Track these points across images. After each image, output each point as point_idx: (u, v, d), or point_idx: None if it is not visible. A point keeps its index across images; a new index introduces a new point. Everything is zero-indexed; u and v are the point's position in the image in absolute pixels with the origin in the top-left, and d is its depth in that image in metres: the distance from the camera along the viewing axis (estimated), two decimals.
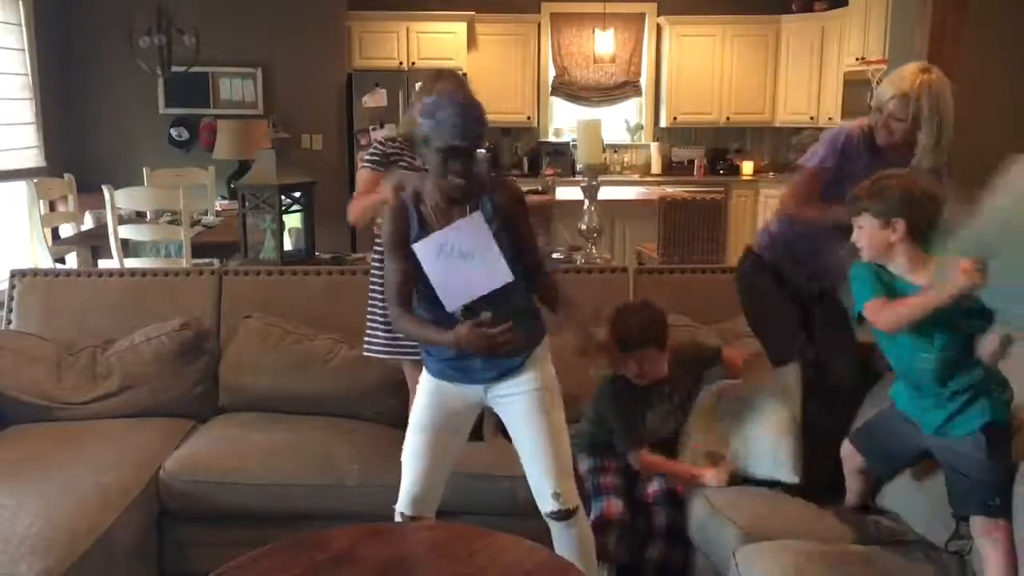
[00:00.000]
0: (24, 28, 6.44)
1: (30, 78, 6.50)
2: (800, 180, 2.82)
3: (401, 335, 2.70)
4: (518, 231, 2.36)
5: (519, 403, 2.41)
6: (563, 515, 2.42)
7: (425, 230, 2.29)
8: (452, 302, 2.28)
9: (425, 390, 2.46)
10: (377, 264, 2.95)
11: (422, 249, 2.25)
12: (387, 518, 2.73)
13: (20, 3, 6.40)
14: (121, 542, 2.59)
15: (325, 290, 3.51)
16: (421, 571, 2.00)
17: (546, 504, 2.43)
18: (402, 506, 2.45)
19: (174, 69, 6.30)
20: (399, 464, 2.89)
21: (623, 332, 2.69)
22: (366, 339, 3.02)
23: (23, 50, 6.45)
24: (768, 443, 2.61)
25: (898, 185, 2.21)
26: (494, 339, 2.21)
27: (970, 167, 5.21)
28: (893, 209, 2.18)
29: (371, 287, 3.00)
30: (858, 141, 2.74)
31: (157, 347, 3.24)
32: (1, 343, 3.24)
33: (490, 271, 2.26)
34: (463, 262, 2.24)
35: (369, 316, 3.01)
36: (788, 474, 2.56)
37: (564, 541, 2.46)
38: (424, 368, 2.47)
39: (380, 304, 2.91)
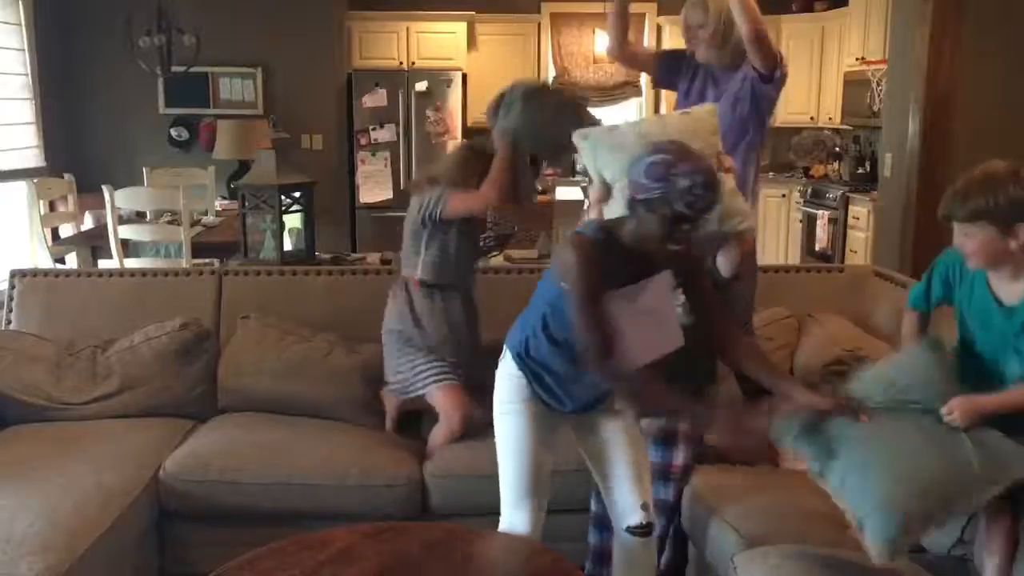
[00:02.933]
0: (24, 28, 6.44)
1: (30, 78, 6.50)
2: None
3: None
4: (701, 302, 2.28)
5: (611, 417, 2.37)
6: (648, 529, 2.34)
7: (610, 281, 2.12)
8: (627, 361, 2.12)
9: (527, 415, 2.31)
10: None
11: (615, 300, 2.11)
12: (387, 518, 2.74)
13: (20, 3, 6.40)
14: (121, 542, 2.58)
15: (325, 290, 3.51)
16: (421, 571, 2.00)
17: (632, 517, 2.33)
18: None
19: (174, 69, 6.30)
20: (399, 464, 2.90)
21: None
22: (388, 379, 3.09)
23: (23, 50, 6.45)
24: None
25: (1019, 185, 1.94)
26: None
27: (971, 166, 5.21)
28: (1018, 214, 1.92)
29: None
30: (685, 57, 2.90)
31: (157, 347, 3.24)
32: (1, 343, 3.24)
33: (667, 335, 2.18)
34: (645, 319, 2.13)
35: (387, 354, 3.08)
36: None
37: (641, 561, 2.38)
38: (524, 390, 2.31)
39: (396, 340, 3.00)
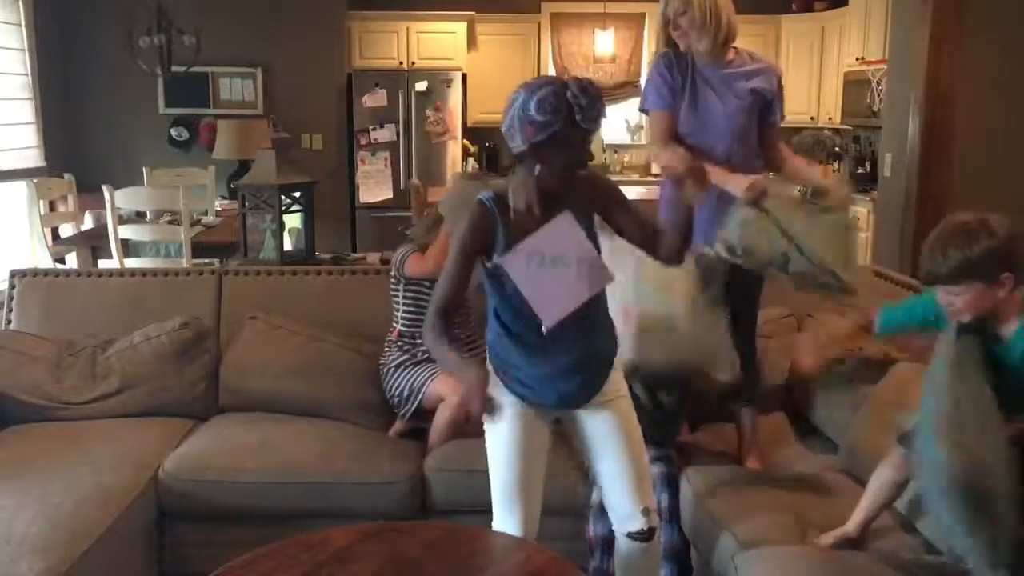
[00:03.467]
0: (24, 28, 6.44)
1: (30, 78, 6.50)
2: (652, 125, 2.91)
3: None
4: (618, 221, 2.25)
5: (605, 413, 2.29)
6: (650, 535, 2.29)
7: (510, 243, 2.11)
8: (549, 317, 2.11)
9: (511, 419, 2.24)
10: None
11: (511, 261, 2.09)
12: (387, 516, 2.74)
13: (20, 3, 6.40)
14: (121, 542, 2.59)
15: (325, 290, 3.51)
16: (421, 571, 2.00)
17: (634, 523, 2.29)
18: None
19: (174, 69, 6.30)
20: (399, 462, 2.90)
21: None
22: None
23: (23, 50, 6.45)
24: None
25: (990, 235, 1.96)
26: (479, 412, 2.07)
27: (971, 166, 5.23)
28: (999, 264, 1.95)
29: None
30: (671, 63, 2.83)
31: (157, 347, 3.24)
32: (1, 343, 3.24)
33: (590, 274, 2.13)
34: (557, 270, 2.09)
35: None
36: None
37: (643, 567, 2.33)
38: (507, 395, 2.25)
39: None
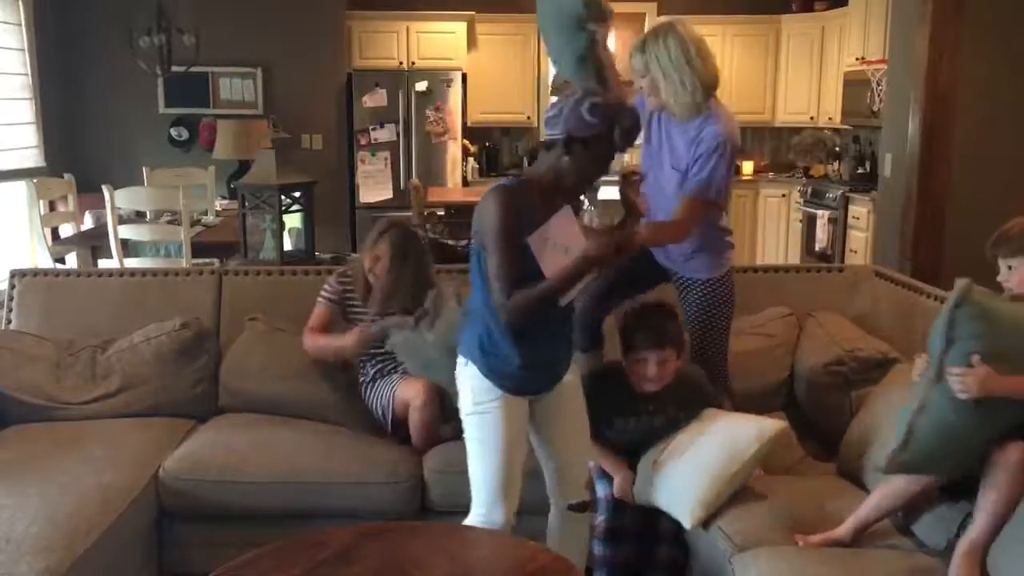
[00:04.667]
0: (24, 28, 6.44)
1: (30, 78, 6.51)
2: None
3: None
4: None
5: (562, 392, 2.44)
6: (587, 505, 2.48)
7: (535, 224, 2.25)
8: (566, 295, 2.30)
9: (500, 412, 2.34)
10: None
11: (535, 241, 2.23)
12: (387, 516, 2.74)
13: (20, 3, 6.40)
14: (121, 542, 2.59)
15: None
16: (421, 571, 2.00)
17: (576, 494, 2.47)
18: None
19: (174, 69, 6.30)
20: (398, 462, 2.90)
21: (654, 325, 2.61)
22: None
23: (23, 50, 6.45)
24: (687, 480, 2.54)
25: None
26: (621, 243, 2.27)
27: (971, 166, 5.23)
28: None
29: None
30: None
31: (157, 347, 3.24)
32: (1, 343, 3.24)
33: None
34: (567, 256, 2.24)
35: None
36: (685, 517, 2.53)
37: (576, 535, 2.50)
38: (493, 389, 2.34)
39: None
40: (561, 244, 2.24)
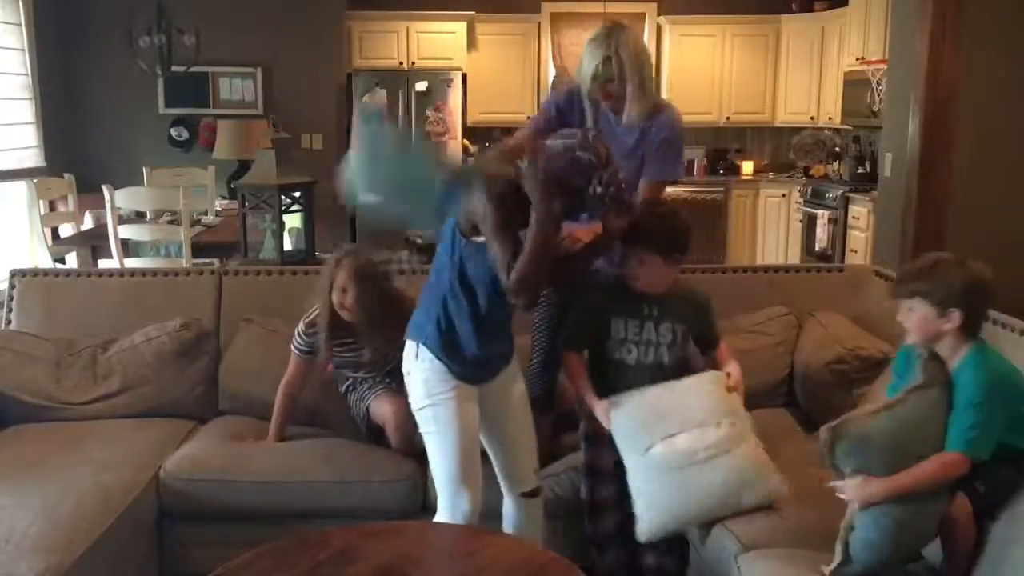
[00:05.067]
0: (24, 28, 6.44)
1: (30, 78, 6.51)
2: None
3: None
4: None
5: (505, 383, 2.51)
6: (538, 491, 2.57)
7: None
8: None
9: (455, 399, 2.39)
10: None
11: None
12: (387, 517, 2.74)
13: (20, 3, 6.40)
14: (121, 542, 2.58)
15: None
16: (421, 571, 2.00)
17: (526, 483, 2.55)
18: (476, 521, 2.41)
19: (174, 69, 6.30)
20: (399, 461, 2.90)
21: (645, 225, 2.53)
22: None
23: (23, 50, 6.45)
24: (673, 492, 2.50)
25: (960, 274, 2.14)
26: None
27: (971, 166, 5.23)
28: (953, 299, 2.11)
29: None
30: (572, 97, 2.83)
31: (157, 347, 3.24)
32: (1, 343, 3.24)
33: None
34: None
35: None
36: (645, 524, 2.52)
37: (533, 518, 2.58)
38: (447, 377, 2.39)
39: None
40: None
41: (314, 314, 3.01)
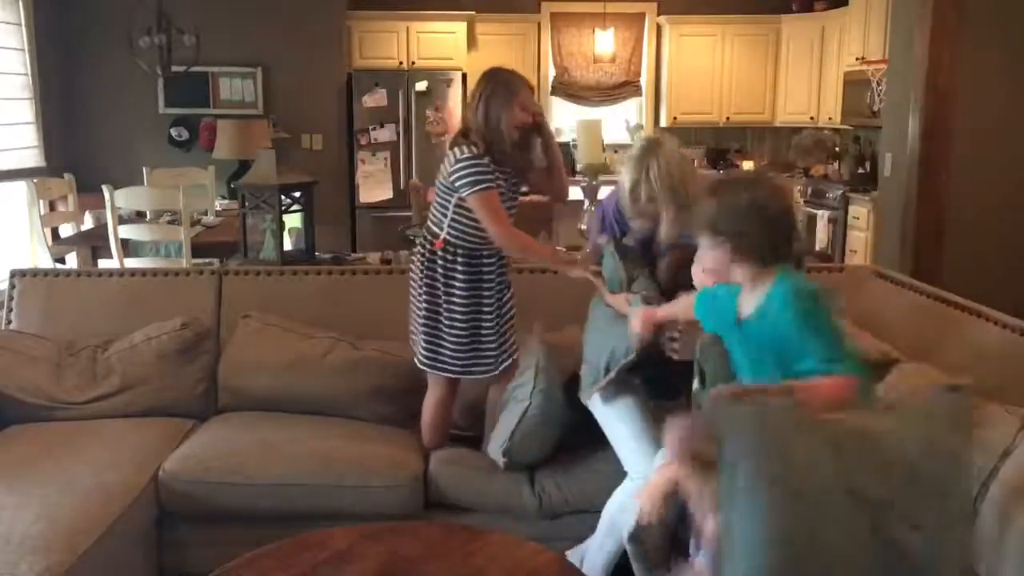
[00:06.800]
0: (24, 28, 6.44)
1: (30, 78, 6.51)
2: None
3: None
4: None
5: None
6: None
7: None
8: None
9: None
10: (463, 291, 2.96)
11: None
12: (388, 516, 2.74)
13: (20, 3, 6.40)
14: (121, 542, 2.58)
15: (325, 290, 3.51)
16: (421, 571, 2.00)
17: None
18: None
19: (174, 69, 6.29)
20: (400, 462, 2.90)
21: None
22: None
23: (23, 50, 6.45)
24: None
25: (723, 200, 1.92)
26: None
27: (971, 166, 5.23)
28: (719, 227, 1.92)
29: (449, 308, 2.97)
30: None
31: (157, 347, 3.24)
32: (1, 343, 3.24)
33: None
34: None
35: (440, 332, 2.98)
36: None
37: None
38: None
39: (462, 321, 2.94)
40: None
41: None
